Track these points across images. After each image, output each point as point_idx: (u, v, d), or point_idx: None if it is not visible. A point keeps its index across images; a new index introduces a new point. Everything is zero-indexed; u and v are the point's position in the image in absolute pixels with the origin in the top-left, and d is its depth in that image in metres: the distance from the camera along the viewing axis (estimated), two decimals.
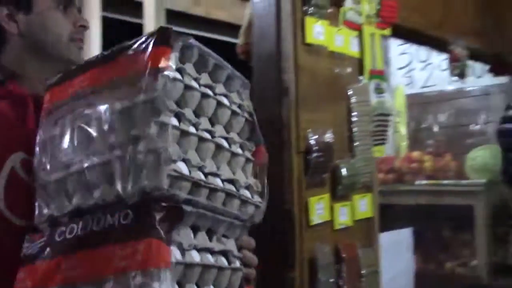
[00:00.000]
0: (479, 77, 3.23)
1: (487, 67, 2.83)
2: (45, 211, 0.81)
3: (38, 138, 0.84)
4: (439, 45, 2.27)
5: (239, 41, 1.73)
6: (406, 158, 3.18)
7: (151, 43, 0.75)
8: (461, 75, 2.25)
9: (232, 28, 2.80)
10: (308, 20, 1.57)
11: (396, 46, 3.49)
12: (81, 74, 0.83)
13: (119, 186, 0.72)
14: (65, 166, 0.79)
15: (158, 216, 0.69)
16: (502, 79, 2.99)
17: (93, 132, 0.76)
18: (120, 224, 0.71)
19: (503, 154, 2.46)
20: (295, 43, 1.55)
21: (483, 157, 2.86)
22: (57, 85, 0.87)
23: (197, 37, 0.79)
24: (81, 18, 1.02)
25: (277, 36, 1.54)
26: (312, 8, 1.57)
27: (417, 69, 3.64)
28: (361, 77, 1.77)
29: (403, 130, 3.45)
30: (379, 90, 1.80)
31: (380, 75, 1.82)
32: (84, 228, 0.74)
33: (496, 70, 2.69)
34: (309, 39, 1.58)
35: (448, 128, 3.38)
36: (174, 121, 0.73)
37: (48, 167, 0.81)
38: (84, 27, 1.02)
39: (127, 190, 0.72)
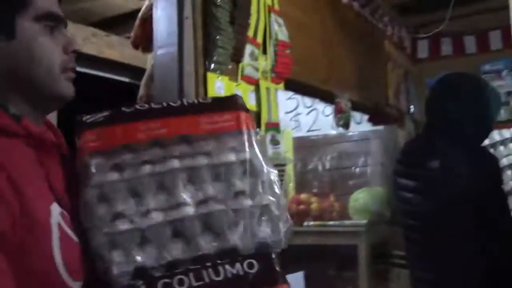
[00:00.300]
0: (359, 123, 3.50)
1: (366, 115, 3.09)
2: (123, 265, 0.74)
3: (90, 182, 0.75)
4: (326, 97, 2.44)
5: (140, 92, 1.73)
6: (294, 200, 3.31)
7: (235, 106, 0.85)
8: (346, 125, 2.43)
9: (124, 68, 2.78)
10: (210, 76, 1.62)
11: (284, 91, 3.66)
12: (150, 119, 0.80)
13: (234, 238, 0.78)
14: (146, 213, 0.76)
15: (278, 264, 0.80)
16: (379, 127, 3.27)
17: (182, 183, 0.78)
18: (247, 273, 0.77)
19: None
20: (197, 98, 1.59)
21: (364, 198, 3.07)
22: (106, 125, 0.79)
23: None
24: (71, 40, 0.85)
25: (180, 91, 1.57)
26: (213, 64, 1.63)
27: (303, 114, 3.84)
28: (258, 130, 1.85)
29: (290, 172, 3.60)
30: (274, 142, 1.89)
31: (275, 127, 1.92)
32: (200, 279, 0.75)
33: (374, 120, 2.94)
34: (211, 93, 1.63)
35: (332, 170, 3.58)
36: (275, 176, 0.84)
37: (124, 214, 0.75)
38: (76, 52, 0.85)
39: (245, 242, 0.79)
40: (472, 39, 3.48)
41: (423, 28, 3.57)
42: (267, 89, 1.90)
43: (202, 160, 0.79)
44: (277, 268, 0.80)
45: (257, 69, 1.84)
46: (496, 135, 2.54)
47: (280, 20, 1.99)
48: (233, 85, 1.73)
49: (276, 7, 2.00)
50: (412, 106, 3.45)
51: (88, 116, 0.80)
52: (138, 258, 0.75)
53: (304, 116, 3.81)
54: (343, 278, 2.98)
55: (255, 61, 1.82)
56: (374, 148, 3.38)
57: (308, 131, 3.79)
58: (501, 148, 2.53)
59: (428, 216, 1.59)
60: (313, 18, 2.30)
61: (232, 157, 0.80)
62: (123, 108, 0.81)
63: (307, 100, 3.71)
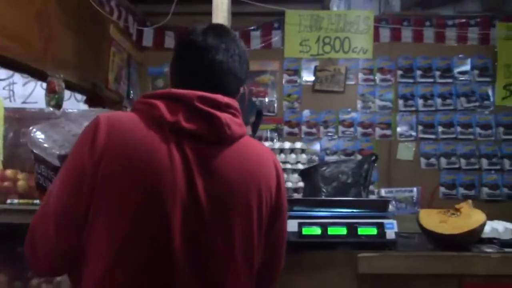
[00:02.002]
0: (79, 101, 3.47)
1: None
2: None
3: None
4: (39, 75, 2.37)
5: None
6: None
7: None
8: (57, 106, 2.40)
9: None
10: None
11: None
12: None
13: None
14: None
15: None
16: (98, 108, 3.32)
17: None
18: None
19: None
20: None
21: None
22: None
23: None
24: None
25: None
26: None
27: (19, 84, 3.62)
28: None
29: None
30: None
31: None
32: None
33: (91, 102, 2.97)
34: None
35: None
36: None
37: None
38: None
39: None
40: None
41: (151, 18, 3.74)
42: None
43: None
44: None
45: None
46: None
47: None
48: None
49: None
50: (132, 92, 3.58)
51: None
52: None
53: (20, 86, 3.60)
54: None
55: None
56: None
57: (23, 102, 3.61)
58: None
59: None
60: None
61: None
62: None
63: None
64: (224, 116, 1.20)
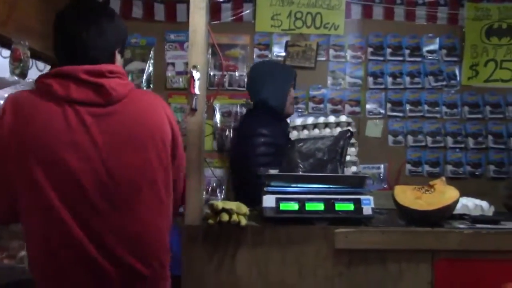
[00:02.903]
0: (41, 71, 3.34)
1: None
2: None
3: None
4: (2, 42, 2.25)
5: None
6: None
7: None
8: (22, 75, 2.30)
9: None
10: None
11: None
12: None
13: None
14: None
15: None
16: None
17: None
18: None
19: None
20: None
21: None
22: None
23: None
24: None
25: None
26: None
27: None
28: None
29: None
30: None
31: None
32: None
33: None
34: None
35: None
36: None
37: None
38: None
39: None
40: (162, 7, 3.69)
41: None
42: None
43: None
44: None
45: None
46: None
47: None
48: None
49: None
50: None
51: None
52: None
53: None
54: (7, 233, 2.86)
55: None
56: None
57: None
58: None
59: None
60: None
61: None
62: None
63: None
64: (109, 82, 1.49)
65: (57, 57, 1.56)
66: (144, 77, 3.71)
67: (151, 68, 3.72)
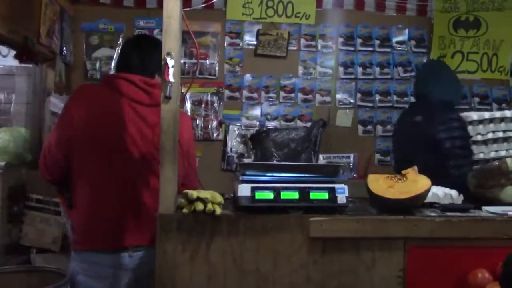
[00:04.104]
0: (5, 56, 3.22)
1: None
2: None
3: None
4: None
5: None
6: None
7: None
8: None
9: None
10: None
11: None
12: None
13: None
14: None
15: None
16: (27, 64, 3.09)
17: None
18: None
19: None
20: None
21: (4, 138, 2.89)
22: None
23: None
24: None
25: None
26: None
27: None
28: None
29: None
30: None
31: None
32: None
33: (21, 56, 2.76)
34: None
35: None
36: None
37: None
38: None
39: None
40: None
41: None
42: None
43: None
44: None
45: None
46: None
47: None
48: None
49: None
50: (65, 48, 3.37)
51: None
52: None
53: None
54: None
55: None
56: (20, 86, 3.19)
57: None
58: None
59: None
60: None
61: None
62: None
63: None
64: (154, 90, 2.08)
65: (118, 66, 2.25)
66: (113, 64, 3.63)
67: None
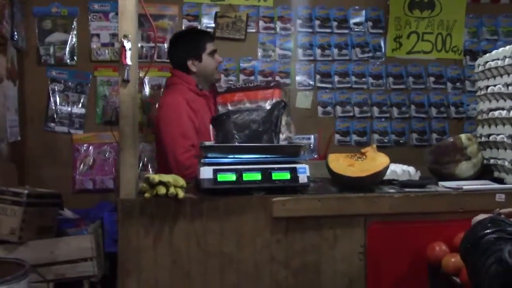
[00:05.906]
0: None
1: None
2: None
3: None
4: None
5: None
6: None
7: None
8: None
9: None
10: None
11: None
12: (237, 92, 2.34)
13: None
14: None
15: None
16: None
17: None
18: None
19: None
20: None
21: None
22: (225, 93, 2.34)
23: None
24: (219, 59, 3.04)
25: None
26: None
27: None
28: None
29: None
30: None
31: None
32: None
33: None
34: None
35: None
36: None
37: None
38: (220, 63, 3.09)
39: None
40: None
41: None
42: None
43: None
44: None
45: None
46: None
47: None
48: None
49: None
50: (16, 33, 3.25)
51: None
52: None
53: None
54: None
55: None
56: None
57: None
58: None
59: None
60: None
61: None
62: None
63: None
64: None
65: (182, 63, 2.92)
66: (67, 49, 3.53)
67: (74, 40, 3.54)
